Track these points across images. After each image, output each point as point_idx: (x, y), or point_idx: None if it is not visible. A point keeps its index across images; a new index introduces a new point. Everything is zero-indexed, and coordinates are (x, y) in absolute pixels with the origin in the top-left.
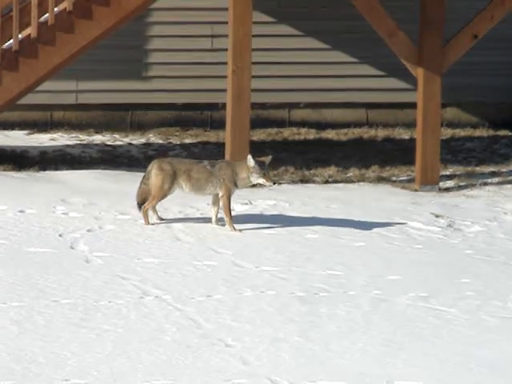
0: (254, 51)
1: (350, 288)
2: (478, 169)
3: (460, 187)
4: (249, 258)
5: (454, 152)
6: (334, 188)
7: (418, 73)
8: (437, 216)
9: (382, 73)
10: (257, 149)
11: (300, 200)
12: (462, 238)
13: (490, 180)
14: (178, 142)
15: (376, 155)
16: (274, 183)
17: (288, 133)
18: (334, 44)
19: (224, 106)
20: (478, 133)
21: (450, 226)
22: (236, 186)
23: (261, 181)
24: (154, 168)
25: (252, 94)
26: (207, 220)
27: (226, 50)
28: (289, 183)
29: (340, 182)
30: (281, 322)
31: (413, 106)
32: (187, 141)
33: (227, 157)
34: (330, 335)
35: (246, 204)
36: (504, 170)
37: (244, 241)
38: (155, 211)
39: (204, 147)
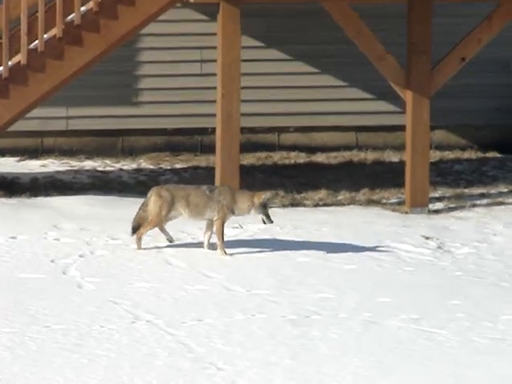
0: (242, 76)
1: (341, 311)
2: (467, 191)
3: (449, 209)
4: (240, 282)
5: (443, 174)
6: (324, 211)
7: (407, 96)
8: (427, 238)
9: (370, 96)
10: (247, 173)
11: (291, 223)
12: (452, 259)
13: (479, 202)
14: (169, 167)
15: (366, 178)
16: (272, 222)
17: (278, 157)
18: (322, 68)
19: (214, 130)
20: (466, 155)
21: (439, 247)
22: (233, 213)
23: (260, 217)
24: (152, 195)
25: (241, 119)
26: (198, 245)
27: (215, 74)
28: (279, 207)
29: (330, 205)
30: (272, 345)
31: (402, 128)
32: (178, 166)
33: (217, 181)
34: (321, 358)
35: (237, 228)
36: (493, 191)
37: (235, 265)
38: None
39: (194, 172)
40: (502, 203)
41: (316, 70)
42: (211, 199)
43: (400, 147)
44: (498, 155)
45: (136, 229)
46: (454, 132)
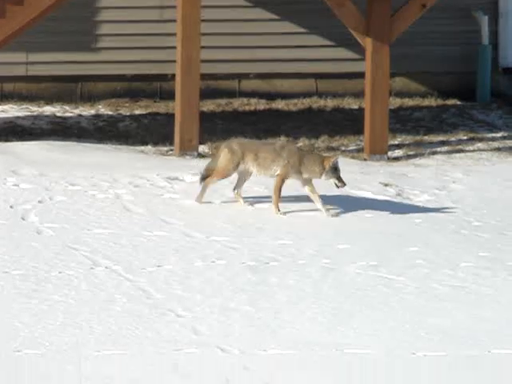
0: (202, 22)
1: (299, 257)
2: (426, 138)
3: (409, 156)
4: (199, 229)
5: (403, 121)
6: None
7: (367, 43)
8: (386, 185)
9: (330, 43)
10: (207, 119)
11: None
12: (412, 207)
13: (438, 149)
14: (128, 113)
15: (325, 125)
16: (345, 185)
17: (238, 103)
18: (283, 14)
19: (173, 76)
20: (426, 102)
21: (399, 195)
22: (300, 173)
23: (333, 181)
24: (224, 147)
25: (202, 65)
26: (157, 190)
27: (175, 20)
28: None
29: None
30: (231, 291)
31: (361, 75)
32: (137, 112)
33: (177, 128)
34: (280, 304)
35: (196, 174)
36: (452, 139)
37: (195, 211)
38: (240, 196)
39: (154, 118)
40: (461, 151)
41: (276, 17)
42: (279, 155)
43: (360, 94)
44: (458, 102)
45: (205, 178)
46: (414, 79)
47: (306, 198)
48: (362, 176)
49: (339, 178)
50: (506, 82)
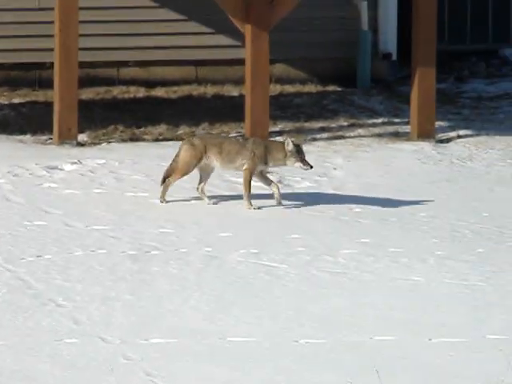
0: (81, 10)
1: (181, 246)
2: (307, 124)
3: None
4: (79, 218)
5: (283, 108)
6: (164, 146)
7: (246, 29)
8: (266, 173)
9: (210, 30)
10: (86, 107)
11: (130, 158)
12: (293, 194)
13: (319, 135)
14: (7, 102)
15: (206, 112)
16: (311, 167)
17: (117, 91)
18: (162, 1)
19: (52, 65)
20: (307, 88)
21: (279, 182)
22: (265, 163)
23: (297, 165)
24: (185, 143)
25: (80, 53)
26: (37, 180)
27: (53, 8)
28: (119, 142)
29: (170, 139)
30: (112, 280)
31: (242, 62)
32: (15, 100)
33: (56, 116)
34: (161, 293)
35: (76, 163)
36: (333, 125)
37: (74, 200)
38: (204, 193)
39: (32, 107)
40: (341, 137)
41: (155, 4)
42: (244, 147)
43: (240, 81)
44: (338, 89)
45: (165, 180)
46: (293, 65)
47: (189, 187)
48: None
49: (304, 161)
50: (386, 68)
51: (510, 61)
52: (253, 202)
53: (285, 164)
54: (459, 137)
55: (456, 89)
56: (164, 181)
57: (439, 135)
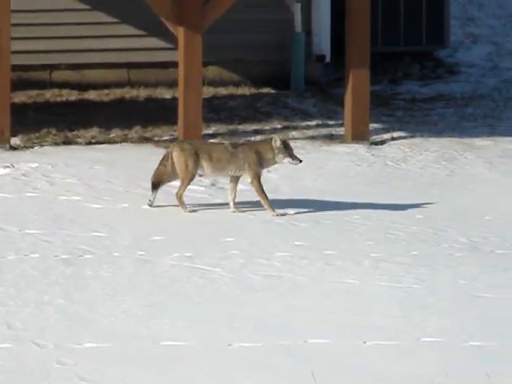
0: (13, 12)
1: (114, 249)
2: (240, 127)
3: None
4: (12, 222)
5: (217, 111)
6: (97, 149)
7: (179, 32)
8: (200, 175)
9: (142, 32)
10: (18, 111)
11: (63, 162)
12: (226, 196)
13: (252, 138)
14: None
15: (138, 115)
16: (300, 161)
17: (50, 94)
18: (94, 4)
19: None
20: (240, 91)
21: (213, 185)
22: (262, 166)
23: (286, 160)
24: (174, 150)
25: (12, 56)
26: None
27: None
28: (51, 145)
29: (103, 142)
30: (45, 284)
31: (175, 65)
32: None
33: None
34: (94, 297)
35: (8, 167)
36: (267, 127)
37: (7, 204)
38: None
39: None
40: None
41: (87, 7)
42: (235, 156)
43: (173, 84)
44: (272, 91)
45: (156, 185)
46: (227, 68)
47: (121, 190)
48: None
49: (292, 156)
50: (319, 70)
51: (444, 62)
52: (187, 205)
53: (275, 162)
54: (393, 139)
55: (390, 91)
56: (155, 186)
57: (373, 137)
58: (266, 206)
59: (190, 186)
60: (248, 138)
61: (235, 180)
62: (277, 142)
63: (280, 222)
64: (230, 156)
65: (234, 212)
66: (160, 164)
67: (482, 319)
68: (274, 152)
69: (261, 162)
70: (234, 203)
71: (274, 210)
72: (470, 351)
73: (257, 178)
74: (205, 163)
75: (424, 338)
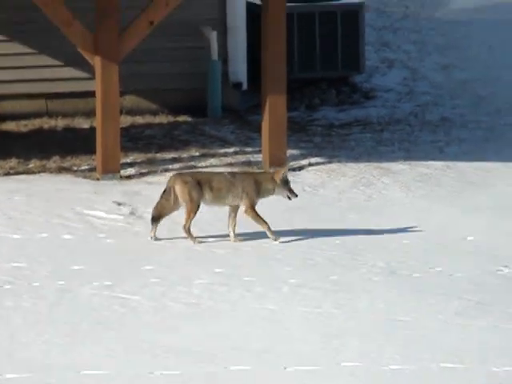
0: None
1: (34, 279)
2: (158, 155)
3: (141, 174)
4: None
5: (135, 139)
6: (15, 180)
7: (96, 61)
8: (119, 204)
9: (60, 63)
10: None
11: None
12: (145, 225)
13: (170, 166)
14: None
15: (57, 145)
16: (296, 196)
17: None
18: (11, 35)
19: None
20: (158, 120)
21: (132, 213)
22: (259, 196)
23: (285, 194)
24: (176, 183)
25: None
26: None
27: None
28: None
29: (22, 173)
30: None
31: (92, 94)
32: None
33: None
34: (15, 327)
35: None
36: (185, 155)
37: None
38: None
39: None
40: (193, 167)
41: (4, 38)
42: (233, 185)
43: (91, 113)
44: (189, 119)
45: (157, 218)
46: (144, 97)
47: (39, 221)
48: (95, 196)
49: (291, 190)
50: (236, 97)
51: (360, 88)
52: (107, 234)
53: (273, 194)
54: (311, 164)
55: (307, 117)
56: (154, 220)
57: (291, 163)
58: (268, 233)
59: (109, 215)
60: (166, 167)
61: (235, 210)
62: (284, 176)
63: (199, 249)
64: (229, 185)
65: (235, 242)
66: (161, 198)
67: (401, 343)
68: (276, 184)
69: (259, 192)
70: (234, 233)
71: (274, 235)
72: (390, 375)
73: (252, 206)
74: (206, 193)
75: (344, 363)
